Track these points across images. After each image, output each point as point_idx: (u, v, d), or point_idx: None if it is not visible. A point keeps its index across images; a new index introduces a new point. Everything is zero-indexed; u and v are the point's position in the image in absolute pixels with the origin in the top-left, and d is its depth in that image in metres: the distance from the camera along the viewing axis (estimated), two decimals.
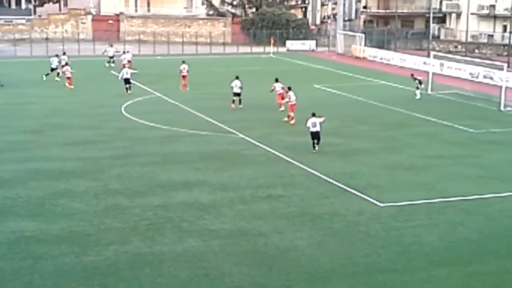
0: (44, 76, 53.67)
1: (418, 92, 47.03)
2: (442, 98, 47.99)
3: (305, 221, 22.40)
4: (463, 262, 19.31)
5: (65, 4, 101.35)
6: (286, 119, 38.28)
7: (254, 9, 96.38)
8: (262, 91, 46.22)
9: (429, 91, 49.81)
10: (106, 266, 18.63)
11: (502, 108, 43.83)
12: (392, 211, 23.57)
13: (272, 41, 77.08)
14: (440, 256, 19.67)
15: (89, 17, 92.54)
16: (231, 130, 36.17)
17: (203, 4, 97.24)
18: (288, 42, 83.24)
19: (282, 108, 40.27)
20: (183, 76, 50.92)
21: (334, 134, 35.55)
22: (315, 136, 31.52)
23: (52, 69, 53.49)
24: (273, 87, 41.55)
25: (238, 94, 42.76)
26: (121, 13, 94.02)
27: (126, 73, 47.57)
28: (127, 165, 28.89)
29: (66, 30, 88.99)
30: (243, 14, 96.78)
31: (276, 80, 41.59)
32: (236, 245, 20.28)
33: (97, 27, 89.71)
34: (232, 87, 43.01)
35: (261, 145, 32.98)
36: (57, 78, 52.55)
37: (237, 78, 43.32)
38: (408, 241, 20.78)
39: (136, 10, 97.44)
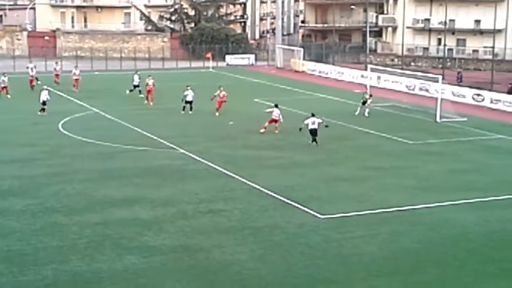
0: None
1: (359, 109, 46.37)
2: (380, 110, 48.73)
3: (246, 235, 22.39)
4: (402, 272, 19.57)
5: (0, 21, 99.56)
6: (262, 130, 39.21)
7: (193, 24, 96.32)
8: (201, 105, 46.17)
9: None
10: (44, 285, 18.24)
11: (438, 120, 44.76)
12: (332, 222, 23.76)
13: (209, 56, 77.04)
14: (380, 266, 19.90)
15: (25, 33, 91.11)
16: (171, 145, 35.98)
17: (141, 19, 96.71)
18: (227, 57, 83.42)
19: (217, 114, 43.96)
20: (148, 91, 50.67)
21: (275, 148, 35.74)
22: (314, 132, 35.64)
23: None
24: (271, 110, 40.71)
25: (190, 102, 45.44)
26: (58, 29, 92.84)
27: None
28: (64, 183, 28.42)
29: (1, 47, 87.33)
30: (182, 29, 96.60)
31: (276, 106, 40.53)
32: (177, 260, 20.13)
33: (33, 43, 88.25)
34: (185, 95, 45.55)
35: (201, 159, 32.89)
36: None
37: (188, 87, 46.11)
38: (348, 252, 20.97)
39: (73, 26, 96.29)
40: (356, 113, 46.46)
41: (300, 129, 36.46)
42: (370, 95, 46.72)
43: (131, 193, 27.03)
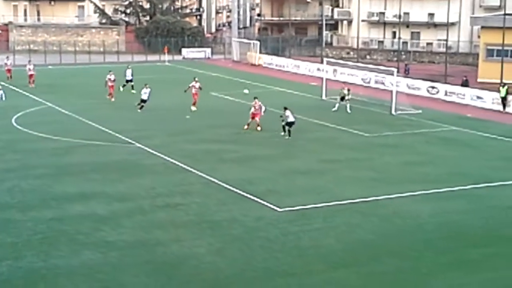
0: None
1: (337, 104, 45.47)
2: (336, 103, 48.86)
3: (204, 229, 22.33)
4: (359, 263, 19.72)
5: None
6: (246, 127, 38.37)
7: (148, 17, 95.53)
8: (158, 99, 45.86)
9: (323, 97, 50.79)
10: None
11: (393, 112, 45.20)
12: (290, 215, 23.83)
13: (166, 49, 76.55)
14: (338, 258, 20.03)
15: None
16: (128, 139, 35.66)
17: (95, 12, 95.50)
18: (183, 50, 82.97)
19: (193, 108, 43.38)
20: (111, 86, 49.42)
21: (232, 141, 35.69)
22: (291, 124, 35.98)
23: None
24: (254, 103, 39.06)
25: (144, 101, 43.78)
26: (10, 22, 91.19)
27: None
28: (19, 178, 27.97)
29: None
30: (137, 23, 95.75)
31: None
32: (134, 255, 19.98)
33: None
34: (141, 94, 44.23)
35: (159, 154, 32.67)
36: None
37: (146, 85, 44.51)
38: (306, 245, 21.06)
39: (25, 19, 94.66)
40: (334, 109, 45.39)
41: (281, 116, 36.40)
42: (348, 90, 46.08)
43: (87, 189, 26.73)
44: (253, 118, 38.22)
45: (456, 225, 23.18)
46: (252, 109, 38.29)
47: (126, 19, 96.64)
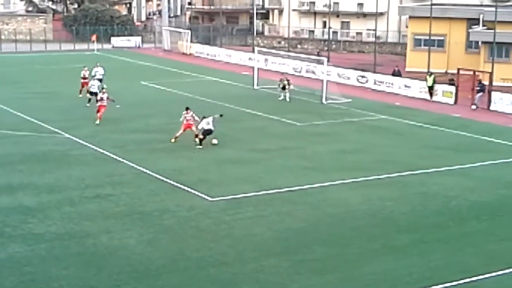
0: None
1: (282, 94, 45.64)
2: (268, 93, 49.16)
3: (135, 220, 22.13)
4: (290, 251, 19.90)
5: None
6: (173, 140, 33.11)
7: (76, 5, 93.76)
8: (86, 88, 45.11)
9: (255, 86, 50.91)
10: None
11: (324, 101, 45.66)
12: (222, 205, 23.85)
13: (94, 38, 75.33)
14: (269, 246, 20.16)
15: None
16: (56, 130, 35.00)
17: (21, 0, 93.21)
18: (113, 39, 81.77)
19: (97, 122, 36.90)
20: (84, 83, 45.02)
21: (163, 131, 35.41)
22: (209, 132, 31.95)
23: None
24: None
25: (93, 94, 40.23)
26: None
27: None
28: None
29: None
30: (65, 11, 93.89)
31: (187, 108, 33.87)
32: (63, 248, 19.67)
33: None
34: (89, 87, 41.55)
35: (88, 144, 32.19)
36: None
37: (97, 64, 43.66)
38: (238, 234, 21.11)
39: None
40: (280, 98, 45.69)
41: (221, 115, 33.61)
42: (288, 80, 46.22)
43: (15, 180, 26.15)
44: (186, 129, 32.94)
45: (384, 212, 23.62)
46: (184, 120, 32.93)
47: (54, 7, 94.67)
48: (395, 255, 19.82)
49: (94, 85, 41.39)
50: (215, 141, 32.40)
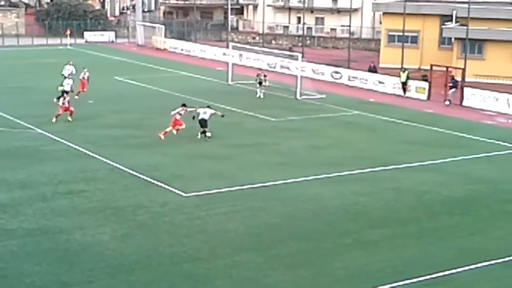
0: None
1: (259, 89, 45.49)
2: (243, 88, 49.17)
3: (108, 215, 22.04)
4: (264, 246, 19.95)
5: None
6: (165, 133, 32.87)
7: (49, 0, 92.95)
8: (59, 83, 44.72)
9: (229, 82, 50.87)
10: None
11: (298, 97, 45.77)
12: (196, 200, 23.83)
13: (67, 32, 74.73)
14: (243, 242, 20.20)
15: None
16: (28, 125, 34.71)
17: None
18: (86, 34, 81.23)
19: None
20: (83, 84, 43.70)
21: (136, 127, 35.30)
22: (203, 123, 32.47)
23: None
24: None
25: (67, 92, 39.06)
26: None
27: None
28: None
29: None
30: (38, 5, 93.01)
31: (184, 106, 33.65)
32: (36, 244, 19.54)
33: None
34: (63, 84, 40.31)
35: (61, 140, 31.97)
36: None
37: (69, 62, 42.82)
38: (212, 229, 21.12)
39: None
40: (257, 95, 45.56)
41: (193, 117, 32.79)
42: (265, 76, 46.12)
43: None
44: (175, 125, 32.81)
45: (357, 207, 23.76)
46: (178, 116, 32.67)
47: (26, 1, 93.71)
48: (368, 250, 19.95)
49: (68, 83, 40.30)
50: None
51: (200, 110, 32.82)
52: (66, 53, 69.59)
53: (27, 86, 47.00)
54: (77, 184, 25.29)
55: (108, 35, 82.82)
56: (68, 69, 44.82)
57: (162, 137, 32.39)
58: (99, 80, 48.81)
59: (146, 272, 17.98)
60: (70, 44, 75.24)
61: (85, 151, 30.12)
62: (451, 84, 46.25)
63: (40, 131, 33.61)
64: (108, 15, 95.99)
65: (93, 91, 43.50)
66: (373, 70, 53.47)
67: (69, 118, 35.80)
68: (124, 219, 21.74)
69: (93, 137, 32.77)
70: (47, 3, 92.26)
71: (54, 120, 35.31)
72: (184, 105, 33.19)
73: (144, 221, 21.70)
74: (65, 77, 42.00)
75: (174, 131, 32.82)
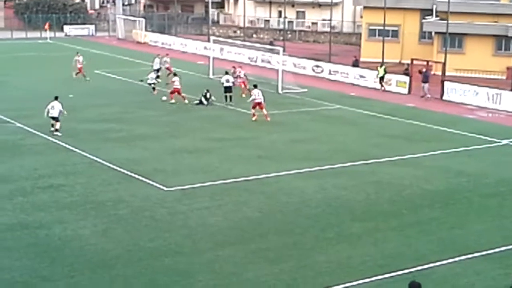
0: None
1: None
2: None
3: (88, 210, 21.89)
4: (246, 240, 19.90)
5: None
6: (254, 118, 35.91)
7: None
8: (38, 77, 44.39)
9: (210, 76, 50.71)
10: None
11: (279, 91, 45.73)
12: (177, 194, 23.74)
13: (47, 26, 74.12)
14: (225, 236, 20.13)
15: None
16: (7, 119, 34.42)
17: None
18: (66, 27, 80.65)
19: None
20: (80, 68, 47.15)
21: (117, 120, 35.11)
22: (228, 89, 39.78)
23: None
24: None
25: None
26: None
27: None
28: None
29: None
30: None
31: (255, 86, 36.74)
32: (16, 238, 19.36)
33: None
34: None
35: (40, 133, 31.71)
36: None
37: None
38: (193, 224, 21.04)
39: None
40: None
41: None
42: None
43: None
44: (255, 107, 35.78)
45: (338, 200, 23.78)
46: (254, 98, 35.65)
47: None
48: (350, 243, 19.96)
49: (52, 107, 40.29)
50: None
51: (223, 79, 40.21)
52: (46, 47, 69.08)
53: (5, 80, 46.53)
54: (57, 178, 25.10)
55: (88, 29, 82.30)
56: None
57: (254, 118, 35.77)
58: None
59: (127, 266, 17.87)
60: (50, 38, 74.66)
61: (64, 144, 29.90)
62: (423, 79, 45.58)
63: (19, 124, 33.32)
64: (88, 8, 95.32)
65: (73, 85, 43.20)
66: (356, 64, 53.54)
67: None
68: (105, 214, 21.60)
69: (72, 130, 32.51)
70: None
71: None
72: (255, 86, 36.69)
73: (125, 215, 21.57)
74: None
75: (268, 119, 35.69)
